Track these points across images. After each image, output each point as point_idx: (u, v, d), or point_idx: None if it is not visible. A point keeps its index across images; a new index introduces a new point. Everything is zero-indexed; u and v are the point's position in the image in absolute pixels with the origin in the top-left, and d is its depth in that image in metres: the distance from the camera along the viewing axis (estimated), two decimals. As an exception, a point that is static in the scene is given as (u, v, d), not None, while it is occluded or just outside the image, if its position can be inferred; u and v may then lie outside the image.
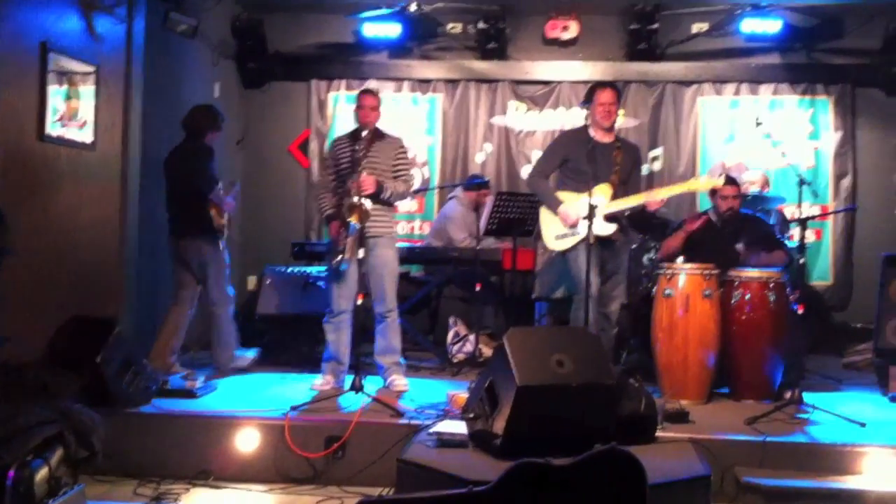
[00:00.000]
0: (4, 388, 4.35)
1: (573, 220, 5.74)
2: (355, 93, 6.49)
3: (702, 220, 6.10)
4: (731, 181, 6.21)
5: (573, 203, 5.76)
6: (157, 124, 6.77)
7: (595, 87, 6.01)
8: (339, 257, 5.51)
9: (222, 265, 6.28)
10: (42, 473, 3.80)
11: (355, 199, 5.40)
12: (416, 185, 8.62)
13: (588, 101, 5.92)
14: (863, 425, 4.86)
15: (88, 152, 5.90)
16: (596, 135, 5.84)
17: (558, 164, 5.98)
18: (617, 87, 6.09)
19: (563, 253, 5.93)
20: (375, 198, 5.53)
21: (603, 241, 5.78)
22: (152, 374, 5.39)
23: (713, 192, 6.17)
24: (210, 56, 8.08)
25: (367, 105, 5.72)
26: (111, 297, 6.13)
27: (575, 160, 5.81)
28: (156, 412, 5.01)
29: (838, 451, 4.58)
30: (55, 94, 5.53)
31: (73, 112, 5.75)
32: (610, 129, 5.92)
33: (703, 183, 5.96)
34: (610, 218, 5.75)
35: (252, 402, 5.24)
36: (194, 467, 4.72)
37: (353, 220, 5.38)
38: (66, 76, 5.64)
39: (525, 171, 8.68)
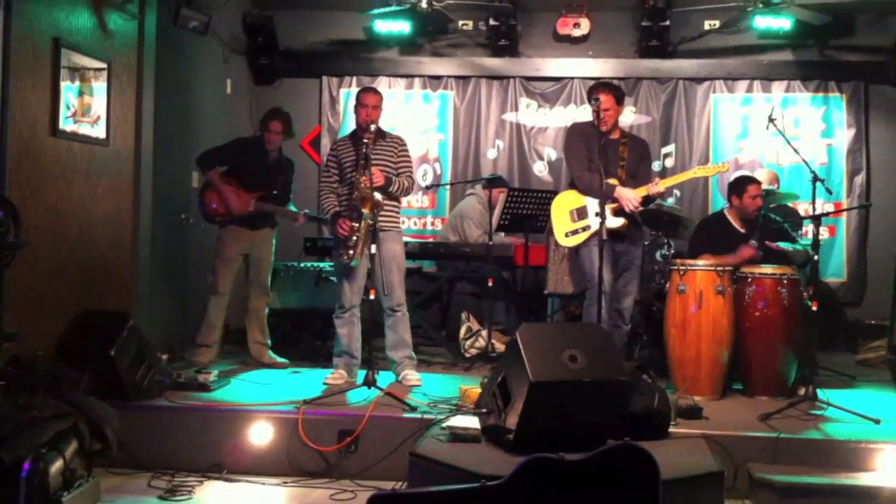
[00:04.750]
0: (17, 381, 4.36)
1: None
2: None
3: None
4: (755, 180, 6.20)
5: (586, 199, 5.74)
6: (168, 120, 6.78)
7: (590, 88, 5.87)
8: (352, 252, 5.49)
9: (215, 253, 6.35)
10: (56, 466, 3.82)
11: (367, 191, 5.40)
12: (429, 181, 8.66)
13: (589, 100, 5.76)
14: (877, 422, 4.86)
15: (101, 147, 5.92)
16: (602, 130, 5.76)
17: (586, 154, 5.78)
18: (613, 89, 5.81)
19: (576, 249, 5.91)
20: (384, 191, 5.56)
21: (615, 237, 5.73)
22: (165, 368, 5.41)
23: (739, 194, 6.09)
24: (221, 52, 8.09)
25: (369, 103, 5.70)
26: (124, 291, 6.15)
27: (587, 153, 5.76)
28: (169, 405, 5.02)
29: (852, 448, 4.56)
30: (68, 90, 5.54)
31: (86, 108, 5.76)
32: (613, 128, 5.81)
33: (706, 169, 5.89)
34: (619, 212, 5.70)
35: (265, 396, 5.25)
36: (208, 460, 4.74)
37: (366, 210, 5.39)
38: (78, 72, 5.65)
39: (537, 168, 8.71)
